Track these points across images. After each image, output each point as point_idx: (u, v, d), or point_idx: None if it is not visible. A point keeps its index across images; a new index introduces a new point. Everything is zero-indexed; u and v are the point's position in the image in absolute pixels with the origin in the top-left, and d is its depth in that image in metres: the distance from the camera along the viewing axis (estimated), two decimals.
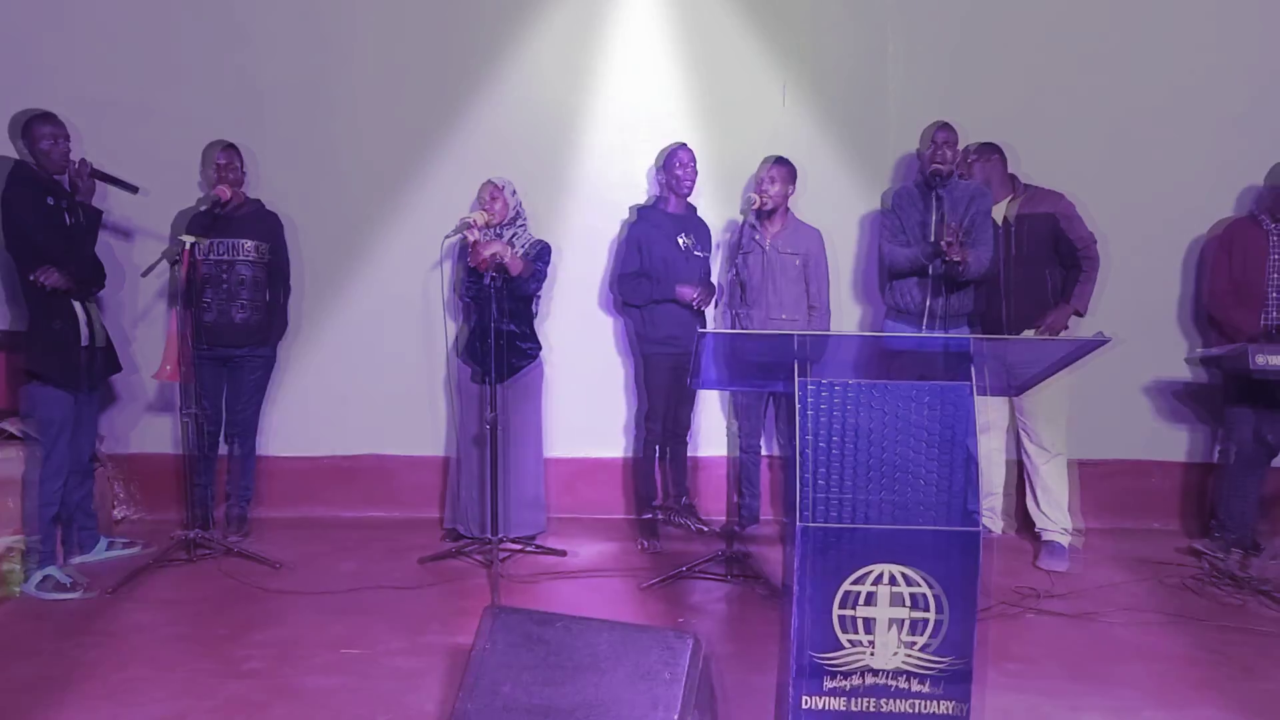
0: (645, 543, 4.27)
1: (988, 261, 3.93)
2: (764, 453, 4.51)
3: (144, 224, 4.53)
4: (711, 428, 4.67)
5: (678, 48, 4.65)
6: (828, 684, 2.31)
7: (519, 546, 4.10)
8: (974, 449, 2.33)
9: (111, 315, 4.29)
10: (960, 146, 4.02)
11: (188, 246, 3.78)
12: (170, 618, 3.41)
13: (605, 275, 4.66)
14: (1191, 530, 4.56)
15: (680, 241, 4.28)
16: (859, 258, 4.70)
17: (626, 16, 4.65)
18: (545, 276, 4.23)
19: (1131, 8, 4.56)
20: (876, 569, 2.29)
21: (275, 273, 4.39)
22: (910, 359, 2.61)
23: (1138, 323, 4.38)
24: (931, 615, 2.28)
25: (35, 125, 3.70)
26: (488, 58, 4.64)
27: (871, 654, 2.30)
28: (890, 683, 2.30)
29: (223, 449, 4.43)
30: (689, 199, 4.37)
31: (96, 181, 3.85)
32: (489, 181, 4.16)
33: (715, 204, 4.49)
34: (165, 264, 3.74)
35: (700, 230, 4.40)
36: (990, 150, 4.25)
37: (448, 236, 3.86)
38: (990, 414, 4.22)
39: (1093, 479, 4.44)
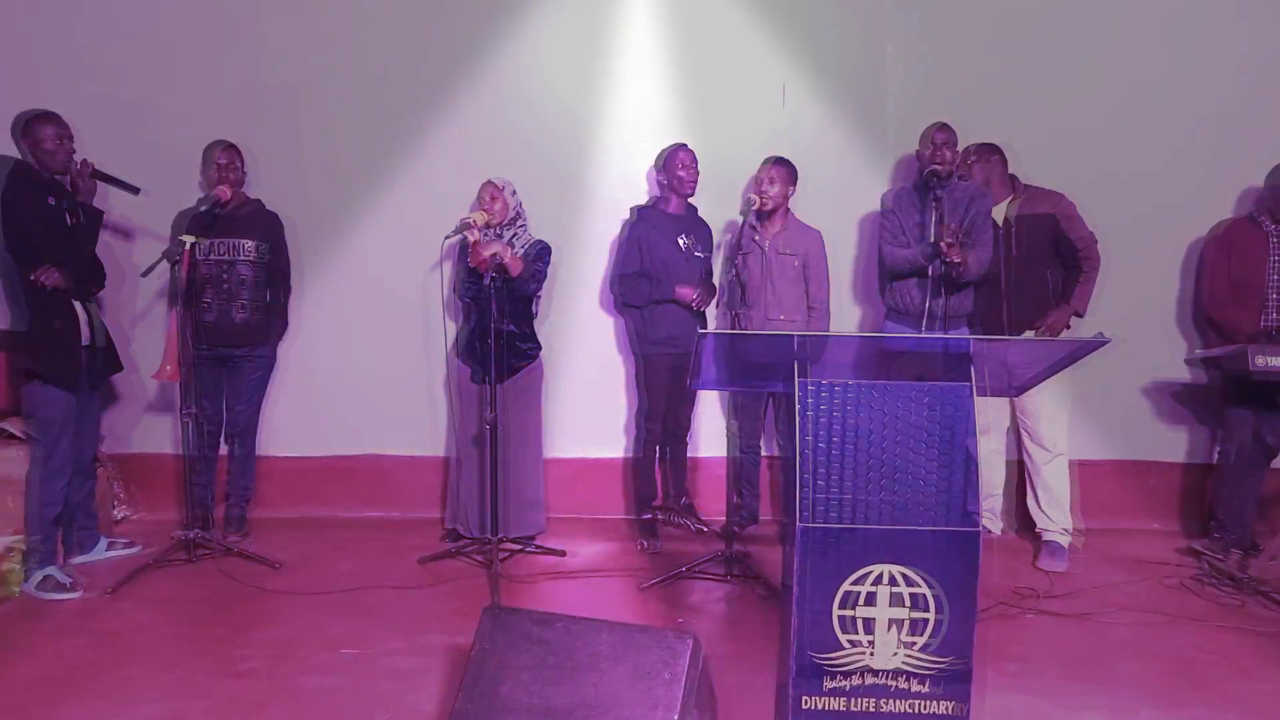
0: (645, 543, 4.27)
1: (987, 262, 3.93)
2: (763, 453, 4.51)
3: (144, 224, 4.53)
4: (711, 428, 4.67)
5: (678, 48, 4.65)
6: (827, 684, 2.31)
7: (518, 547, 4.10)
8: (974, 449, 2.33)
9: (111, 315, 4.28)
10: (960, 147, 4.02)
11: (188, 246, 3.78)
12: (169, 618, 3.41)
13: (605, 275, 4.66)
14: (1190, 531, 4.56)
15: (680, 242, 4.27)
16: (858, 259, 4.70)
17: (627, 16, 4.65)
18: (545, 277, 4.23)
19: (1131, 8, 4.56)
20: (876, 569, 2.29)
21: (275, 273, 4.39)
22: (910, 360, 2.62)
23: (1137, 323, 4.38)
24: (931, 615, 2.29)
25: (38, 125, 3.68)
26: (488, 58, 4.64)
27: (871, 654, 2.30)
28: (890, 683, 2.31)
29: (222, 449, 4.43)
30: (690, 199, 4.37)
31: (97, 182, 3.85)
32: (489, 182, 4.16)
33: (715, 204, 4.48)
34: (165, 264, 3.74)
35: (701, 231, 4.40)
36: (990, 151, 4.26)
37: (448, 237, 3.86)
38: (990, 415, 4.22)
39: (1092, 479, 4.44)
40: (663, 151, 4.35)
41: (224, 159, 4.21)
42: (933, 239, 3.86)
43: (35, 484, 3.71)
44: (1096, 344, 2.37)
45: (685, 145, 4.32)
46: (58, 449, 3.73)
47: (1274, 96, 4.50)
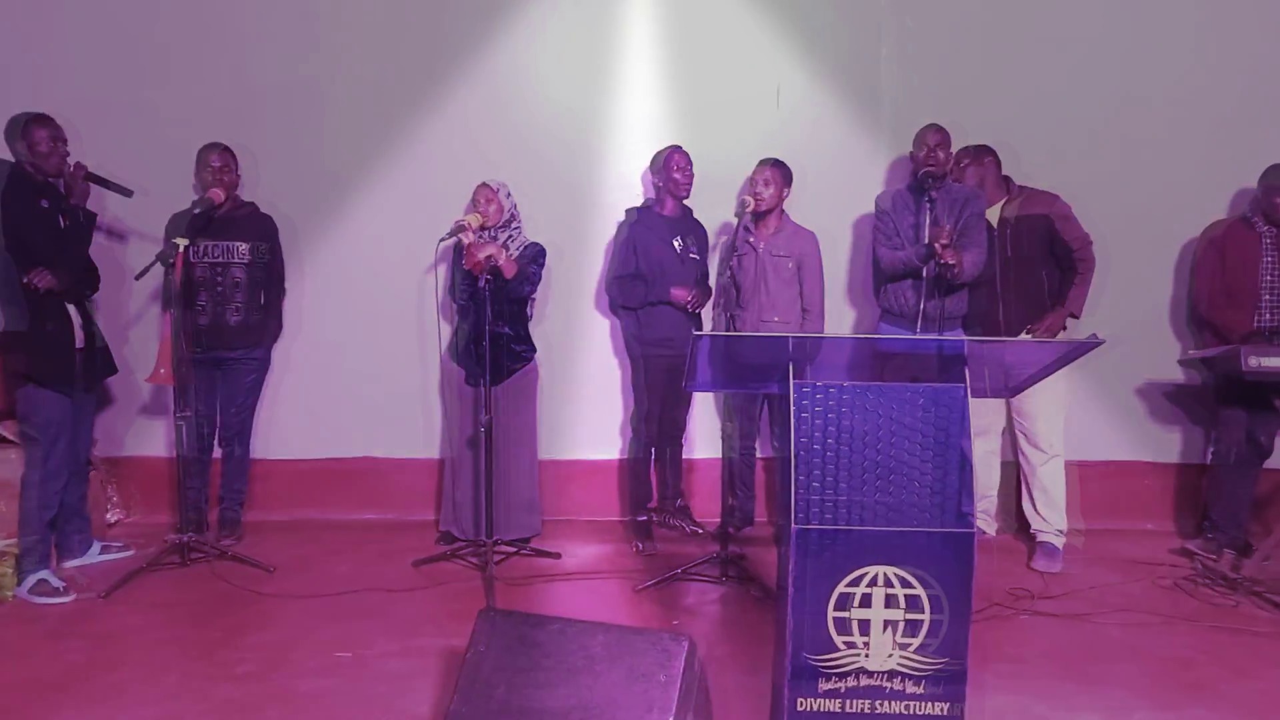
0: (640, 545, 4.27)
1: (982, 264, 3.93)
2: (758, 455, 4.51)
3: (138, 226, 4.52)
4: (706, 430, 4.67)
5: (673, 50, 4.65)
6: (822, 686, 2.31)
7: (513, 549, 4.09)
8: (968, 451, 2.33)
9: (105, 318, 4.26)
10: (954, 149, 4.03)
11: (182, 249, 3.77)
12: (163, 621, 3.40)
13: (600, 277, 4.66)
14: (1184, 531, 4.57)
15: (675, 244, 4.27)
16: (853, 260, 4.70)
17: (622, 18, 4.64)
18: (540, 279, 4.23)
19: (1125, 10, 4.57)
20: (871, 571, 2.29)
21: (270, 275, 4.38)
22: (904, 361, 2.62)
23: (1131, 324, 4.40)
24: (926, 617, 2.29)
25: (33, 128, 3.67)
26: (482, 59, 4.63)
27: (866, 655, 2.30)
28: (885, 684, 2.31)
29: (216, 452, 4.42)
30: (685, 201, 4.37)
31: (90, 185, 3.84)
32: (484, 184, 4.15)
33: (710, 206, 4.48)
34: (159, 267, 3.73)
35: (696, 232, 4.40)
36: (983, 152, 4.26)
37: (442, 239, 3.86)
38: (986, 417, 4.22)
39: (1086, 480, 4.45)
40: (658, 153, 4.35)
41: (218, 161, 4.20)
42: (927, 240, 3.86)
43: (33, 486, 3.69)
44: (1091, 345, 2.38)
45: (680, 147, 4.32)
46: (55, 451, 3.71)
47: (1268, 98, 4.52)
